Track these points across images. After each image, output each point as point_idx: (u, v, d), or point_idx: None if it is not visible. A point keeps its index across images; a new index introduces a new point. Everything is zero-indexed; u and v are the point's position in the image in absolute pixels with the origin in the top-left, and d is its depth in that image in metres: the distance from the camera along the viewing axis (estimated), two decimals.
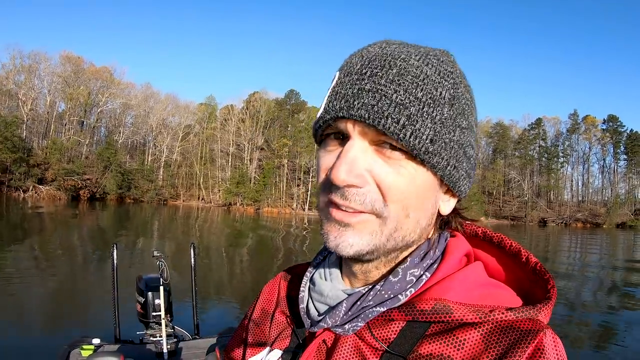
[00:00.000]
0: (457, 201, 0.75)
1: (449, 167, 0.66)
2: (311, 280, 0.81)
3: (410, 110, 0.62)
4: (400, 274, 0.69)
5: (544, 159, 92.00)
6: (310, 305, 0.77)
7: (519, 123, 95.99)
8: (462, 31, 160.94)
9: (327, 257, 0.83)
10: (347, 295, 0.72)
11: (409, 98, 0.62)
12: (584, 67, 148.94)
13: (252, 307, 0.94)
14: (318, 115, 0.70)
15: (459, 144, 0.67)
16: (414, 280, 0.69)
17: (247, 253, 20.51)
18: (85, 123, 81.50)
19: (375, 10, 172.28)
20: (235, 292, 11.90)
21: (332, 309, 0.72)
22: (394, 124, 0.61)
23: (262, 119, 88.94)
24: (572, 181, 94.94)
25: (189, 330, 5.21)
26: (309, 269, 0.84)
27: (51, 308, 9.10)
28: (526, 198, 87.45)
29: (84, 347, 4.34)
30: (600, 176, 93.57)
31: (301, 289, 0.81)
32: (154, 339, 4.38)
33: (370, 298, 0.69)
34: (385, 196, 0.64)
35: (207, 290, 10.65)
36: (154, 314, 4.47)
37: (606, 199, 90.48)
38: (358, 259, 0.69)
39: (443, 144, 0.64)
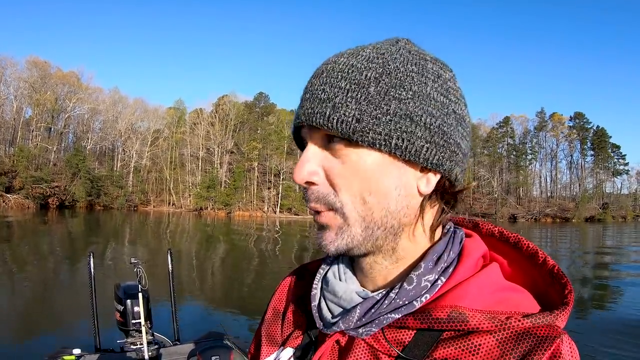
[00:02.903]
0: (447, 179, 0.71)
1: (393, 141, 0.65)
2: (324, 278, 0.81)
3: (334, 101, 0.65)
4: (415, 281, 0.69)
5: (512, 156, 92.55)
6: (323, 305, 0.77)
7: (487, 122, 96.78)
8: (428, 30, 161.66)
9: (340, 255, 0.82)
10: (361, 299, 0.72)
11: (333, 91, 0.65)
12: (550, 65, 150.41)
13: (266, 309, 0.95)
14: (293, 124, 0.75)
15: (400, 115, 0.65)
16: (429, 285, 0.69)
17: (220, 257, 20.52)
18: (52, 129, 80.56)
19: (345, 12, 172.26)
20: (210, 296, 11.91)
21: (346, 312, 0.73)
22: (321, 117, 0.65)
23: (231, 123, 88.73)
24: (540, 177, 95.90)
25: (168, 337, 5.19)
26: (322, 266, 0.84)
27: (27, 319, 8.95)
28: (496, 195, 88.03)
29: (65, 357, 4.35)
30: (568, 172, 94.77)
31: (313, 286, 0.81)
32: (135, 346, 4.33)
33: (385, 305, 0.69)
34: (334, 187, 0.67)
35: (183, 295, 10.54)
36: (134, 321, 4.41)
37: (574, 194, 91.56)
38: (354, 255, 0.71)
39: (374, 119, 0.64)
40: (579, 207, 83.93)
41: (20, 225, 35.23)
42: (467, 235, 0.77)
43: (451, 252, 0.72)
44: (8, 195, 64.88)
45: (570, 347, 0.61)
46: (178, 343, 5.12)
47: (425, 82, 0.68)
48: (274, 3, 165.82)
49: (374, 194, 0.67)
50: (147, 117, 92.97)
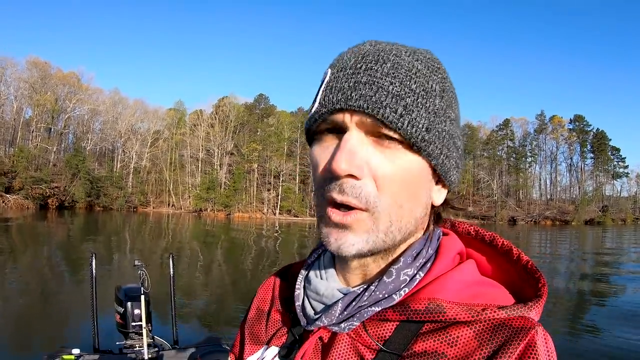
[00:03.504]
0: (448, 192, 0.76)
1: (442, 156, 0.68)
2: (306, 278, 0.82)
3: (406, 101, 0.64)
4: (394, 274, 0.70)
5: (512, 159, 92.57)
6: (307, 304, 0.78)
7: (487, 124, 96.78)
8: (429, 32, 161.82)
9: (322, 256, 0.84)
10: (342, 295, 0.73)
11: (404, 90, 0.65)
12: (550, 67, 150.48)
13: (249, 308, 0.95)
14: (313, 111, 0.71)
15: (450, 134, 0.69)
16: (408, 279, 0.70)
17: (221, 260, 20.47)
18: (52, 130, 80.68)
19: (346, 14, 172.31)
20: (209, 300, 11.87)
21: (327, 308, 0.74)
22: (392, 113, 0.63)
23: (231, 124, 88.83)
24: (540, 180, 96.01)
25: (167, 340, 5.17)
26: (304, 266, 0.85)
27: (27, 318, 8.94)
28: (495, 197, 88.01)
29: (64, 357, 4.34)
30: (567, 174, 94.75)
31: (296, 287, 0.82)
32: (134, 349, 4.33)
33: (365, 298, 0.70)
34: (379, 187, 0.66)
35: (183, 299, 10.48)
36: (134, 323, 4.42)
37: (574, 196, 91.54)
38: (364, 256, 0.71)
39: (437, 133, 0.67)
40: (579, 210, 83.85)
41: (19, 226, 35.14)
42: (445, 234, 0.79)
43: (429, 249, 0.73)
44: (7, 195, 64.94)
45: (544, 338, 0.63)
46: (177, 347, 5.10)
47: (458, 108, 0.74)
48: (275, 5, 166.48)
49: (410, 201, 0.68)
50: (147, 118, 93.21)
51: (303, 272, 0.84)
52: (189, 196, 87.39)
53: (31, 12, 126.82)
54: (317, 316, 0.74)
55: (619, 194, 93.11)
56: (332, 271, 0.79)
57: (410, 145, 0.66)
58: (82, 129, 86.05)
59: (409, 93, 0.65)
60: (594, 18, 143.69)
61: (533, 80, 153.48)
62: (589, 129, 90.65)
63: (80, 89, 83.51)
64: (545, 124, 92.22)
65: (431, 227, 0.76)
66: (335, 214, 0.67)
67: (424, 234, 0.75)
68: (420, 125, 0.65)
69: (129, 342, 4.48)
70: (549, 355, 0.62)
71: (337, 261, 0.79)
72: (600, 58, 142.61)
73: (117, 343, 4.71)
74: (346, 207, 0.66)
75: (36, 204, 66.92)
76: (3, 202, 64.00)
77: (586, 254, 27.36)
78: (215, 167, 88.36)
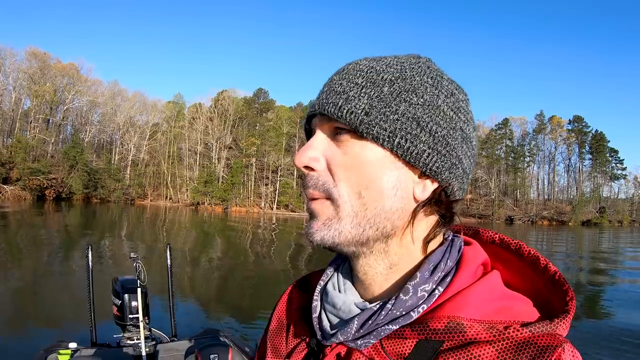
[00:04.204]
0: (443, 189, 0.72)
1: (397, 139, 0.67)
2: (324, 290, 0.82)
3: (348, 94, 0.68)
4: (411, 291, 0.68)
5: (510, 158, 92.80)
6: (323, 316, 0.78)
7: (486, 123, 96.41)
8: (428, 31, 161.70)
9: (341, 266, 0.84)
10: (359, 310, 0.73)
11: (349, 85, 0.69)
12: (550, 68, 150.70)
13: (270, 318, 0.95)
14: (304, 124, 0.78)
15: (408, 117, 0.67)
16: (426, 295, 0.69)
17: (218, 252, 20.48)
18: (51, 121, 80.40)
19: (346, 8, 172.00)
20: (206, 291, 11.86)
21: (344, 324, 0.73)
22: (333, 107, 0.68)
23: (230, 118, 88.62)
24: (538, 180, 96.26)
25: (165, 332, 5.10)
26: (322, 277, 0.85)
27: (23, 312, 8.90)
28: (493, 196, 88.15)
29: (61, 352, 4.28)
30: (565, 175, 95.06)
31: (314, 298, 0.81)
32: (132, 341, 4.26)
33: (382, 317, 0.69)
34: (334, 176, 0.69)
35: (179, 289, 10.37)
36: (131, 316, 4.34)
37: (572, 197, 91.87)
38: (344, 253, 0.73)
39: (382, 115, 0.66)
40: (576, 211, 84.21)
41: (16, 216, 35.06)
42: (467, 243, 0.76)
43: (449, 261, 0.71)
44: (5, 186, 64.86)
45: (573, 356, 0.60)
46: (175, 339, 5.04)
47: (437, 95, 0.70)
48: (276, 1, 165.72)
49: (370, 189, 0.68)
50: (146, 110, 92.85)
51: (321, 283, 0.83)
52: (187, 189, 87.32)
53: (32, 2, 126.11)
54: (333, 331, 0.74)
55: (616, 196, 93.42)
56: (349, 283, 0.79)
57: (355, 131, 0.67)
58: (81, 121, 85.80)
59: (352, 87, 0.69)
60: (596, 18, 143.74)
61: (533, 80, 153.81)
62: (587, 130, 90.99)
63: (79, 80, 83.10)
64: (544, 124, 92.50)
65: (429, 228, 0.73)
66: (308, 203, 0.72)
67: (426, 240, 0.73)
68: (359, 111, 0.66)
69: (127, 334, 4.40)
70: None
71: (352, 272, 0.79)
72: (601, 59, 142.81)
73: (115, 336, 4.65)
74: (314, 199, 0.71)
75: (33, 195, 66.80)
76: (0, 193, 63.85)
77: (582, 253, 27.82)
78: (213, 160, 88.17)
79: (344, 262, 0.83)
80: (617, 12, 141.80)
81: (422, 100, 0.69)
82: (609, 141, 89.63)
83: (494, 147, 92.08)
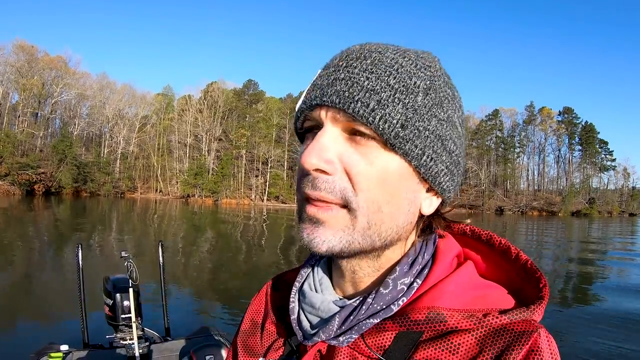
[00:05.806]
0: (442, 203, 0.73)
1: (424, 157, 0.65)
2: (300, 290, 0.80)
3: (380, 96, 0.62)
4: (391, 284, 0.68)
5: (500, 149, 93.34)
6: (302, 317, 0.77)
7: (476, 114, 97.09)
8: (418, 22, 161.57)
9: (316, 265, 0.82)
10: (339, 308, 0.72)
11: (380, 84, 0.62)
12: (540, 59, 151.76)
13: (241, 320, 0.94)
14: (297, 109, 0.71)
15: (436, 135, 0.66)
16: (405, 288, 0.69)
17: (209, 246, 20.26)
18: (39, 115, 79.64)
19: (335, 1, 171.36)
20: (198, 288, 11.64)
21: (325, 322, 0.72)
22: (363, 107, 0.61)
23: (220, 110, 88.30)
24: (528, 171, 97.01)
25: (158, 331, 5.04)
26: (298, 278, 0.83)
27: (12, 312, 8.61)
28: (483, 187, 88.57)
29: (52, 354, 4.16)
30: (555, 166, 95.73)
31: (291, 299, 0.80)
32: (125, 342, 4.18)
33: (362, 312, 0.68)
34: (354, 185, 0.63)
35: (172, 287, 10.27)
36: (123, 316, 4.29)
37: (561, 188, 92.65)
38: (338, 256, 0.69)
39: (416, 130, 0.63)
40: (566, 202, 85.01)
41: (5, 212, 34.53)
42: (440, 236, 0.77)
43: (425, 254, 0.72)
44: None
45: (548, 341, 0.62)
46: (169, 339, 4.97)
47: (454, 110, 0.69)
48: None
49: (390, 205, 0.65)
50: (135, 103, 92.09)
51: (297, 284, 0.82)
52: (177, 182, 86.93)
53: None
54: (314, 331, 0.73)
55: (605, 187, 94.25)
56: (327, 282, 0.78)
57: (385, 142, 0.63)
58: (69, 114, 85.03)
59: (385, 88, 0.63)
60: (587, 10, 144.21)
61: (523, 72, 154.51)
62: (577, 122, 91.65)
63: (67, 73, 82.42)
64: (534, 115, 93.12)
65: (417, 237, 0.74)
66: (310, 208, 0.66)
67: (418, 238, 0.73)
68: (395, 121, 0.62)
69: (119, 334, 4.33)
70: (552, 358, 0.61)
71: (333, 271, 0.78)
72: (592, 52, 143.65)
73: (107, 337, 4.55)
74: (323, 203, 0.65)
75: (22, 190, 66.17)
76: None
77: (572, 243, 28.08)
78: (203, 152, 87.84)
79: (318, 260, 0.83)
80: (608, 5, 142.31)
81: (445, 115, 0.67)
82: (598, 132, 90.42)
83: (484, 138, 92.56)
